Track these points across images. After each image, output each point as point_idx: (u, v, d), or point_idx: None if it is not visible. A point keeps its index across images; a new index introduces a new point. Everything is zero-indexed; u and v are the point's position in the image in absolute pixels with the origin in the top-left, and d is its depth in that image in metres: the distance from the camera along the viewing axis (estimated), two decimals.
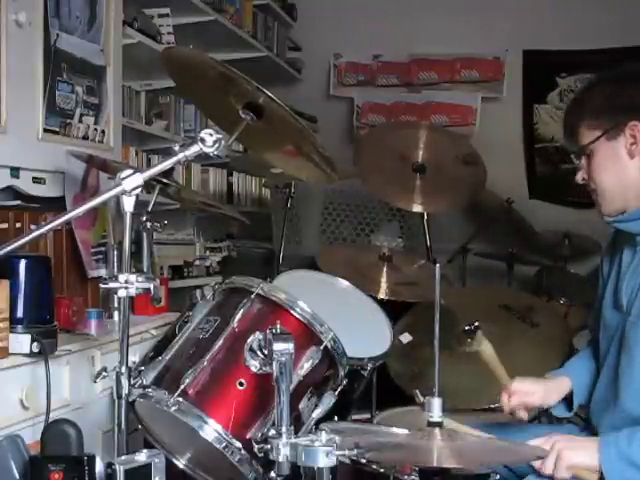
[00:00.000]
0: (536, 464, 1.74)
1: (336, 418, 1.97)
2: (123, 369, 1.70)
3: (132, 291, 1.68)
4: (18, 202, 2.61)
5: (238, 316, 1.95)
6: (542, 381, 2.11)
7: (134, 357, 2.31)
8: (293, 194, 3.77)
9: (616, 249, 2.00)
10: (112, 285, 1.68)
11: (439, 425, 1.56)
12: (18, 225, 2.55)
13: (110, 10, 3.04)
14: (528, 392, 2.05)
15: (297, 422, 1.88)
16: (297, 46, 5.49)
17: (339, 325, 2.03)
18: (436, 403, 1.57)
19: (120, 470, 1.51)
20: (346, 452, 1.44)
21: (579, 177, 1.94)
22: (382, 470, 1.82)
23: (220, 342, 1.92)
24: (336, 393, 2.02)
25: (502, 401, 2.06)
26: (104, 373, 1.82)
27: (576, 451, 1.72)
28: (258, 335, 1.85)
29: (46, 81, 2.67)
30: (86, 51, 2.91)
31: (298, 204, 4.25)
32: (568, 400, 2.11)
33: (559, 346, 2.86)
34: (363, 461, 1.49)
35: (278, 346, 1.55)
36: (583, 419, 2.19)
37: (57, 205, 2.72)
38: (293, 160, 2.59)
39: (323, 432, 1.47)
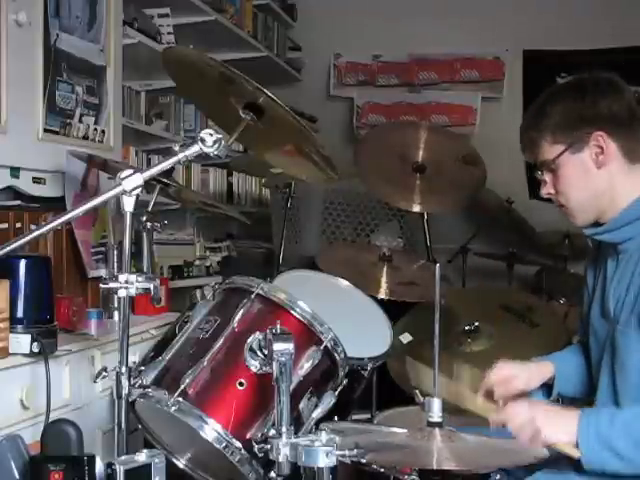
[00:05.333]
0: (513, 432, 1.71)
1: (336, 418, 1.97)
2: (123, 369, 1.70)
3: (132, 291, 1.68)
4: (18, 202, 2.61)
5: (238, 316, 1.95)
6: (524, 364, 2.08)
7: (134, 357, 2.31)
8: (293, 194, 3.78)
9: (599, 260, 1.99)
10: (112, 285, 1.68)
11: (439, 425, 1.56)
12: (18, 225, 2.55)
13: (110, 10, 3.05)
14: (510, 376, 2.01)
15: (297, 422, 1.88)
16: (297, 46, 5.49)
17: (339, 325, 2.03)
18: (436, 403, 1.57)
19: (120, 470, 1.50)
20: (346, 452, 1.44)
21: (544, 192, 1.91)
22: (382, 470, 1.82)
23: (220, 342, 1.92)
24: (336, 393, 2.02)
25: (478, 395, 1.99)
26: (104, 373, 1.82)
27: (555, 429, 1.70)
28: (258, 335, 1.85)
29: (46, 81, 2.68)
30: (86, 51, 2.91)
31: (298, 204, 4.25)
32: (548, 387, 2.09)
33: (559, 346, 2.84)
34: (363, 461, 1.49)
35: (278, 346, 1.55)
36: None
37: (57, 205, 2.72)
38: (293, 160, 2.59)
39: (323, 432, 1.47)
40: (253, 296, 1.98)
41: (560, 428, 1.70)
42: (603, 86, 1.85)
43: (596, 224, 1.90)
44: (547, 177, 1.89)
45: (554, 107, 1.86)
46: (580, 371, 2.08)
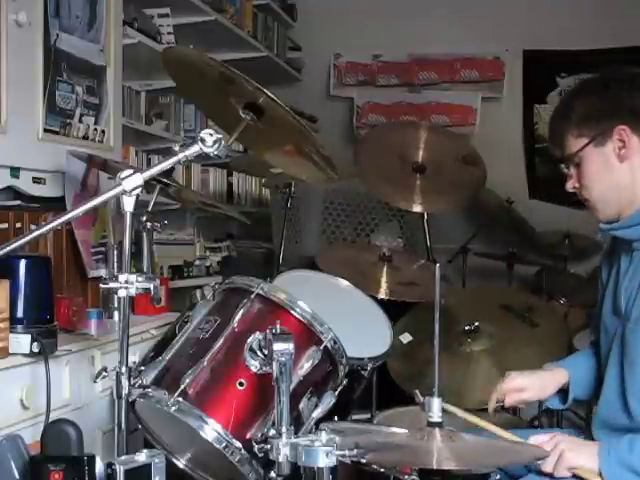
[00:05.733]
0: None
1: (336, 418, 1.97)
2: (123, 369, 1.70)
3: (132, 291, 1.68)
4: (18, 202, 2.61)
5: (238, 316, 1.95)
6: (537, 373, 2.10)
7: (134, 357, 2.31)
8: (293, 194, 3.78)
9: (614, 255, 1.99)
10: (112, 285, 1.68)
11: (439, 425, 1.55)
12: (18, 225, 2.55)
13: (110, 10, 3.05)
14: (522, 388, 2.05)
15: (297, 422, 1.88)
16: (297, 46, 5.49)
17: (339, 325, 2.03)
18: (435, 403, 1.57)
19: (120, 470, 1.50)
20: (346, 452, 1.44)
21: (569, 186, 1.92)
22: (382, 470, 1.82)
23: (220, 342, 1.92)
24: (336, 393, 2.01)
25: (489, 402, 2.06)
26: (104, 373, 1.82)
27: (578, 453, 1.73)
28: (258, 335, 1.85)
29: (46, 81, 2.68)
30: (86, 51, 2.91)
31: (298, 204, 4.25)
32: (564, 393, 2.10)
33: (559, 346, 2.86)
34: (363, 461, 1.49)
35: (278, 346, 1.55)
36: (584, 419, 2.18)
37: (57, 205, 2.72)
38: (293, 160, 2.59)
39: (323, 432, 1.47)
40: (253, 296, 1.98)
41: (582, 452, 1.73)
42: (628, 81, 1.86)
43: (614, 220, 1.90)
44: (572, 171, 1.90)
45: (580, 101, 1.88)
46: (592, 374, 2.08)
